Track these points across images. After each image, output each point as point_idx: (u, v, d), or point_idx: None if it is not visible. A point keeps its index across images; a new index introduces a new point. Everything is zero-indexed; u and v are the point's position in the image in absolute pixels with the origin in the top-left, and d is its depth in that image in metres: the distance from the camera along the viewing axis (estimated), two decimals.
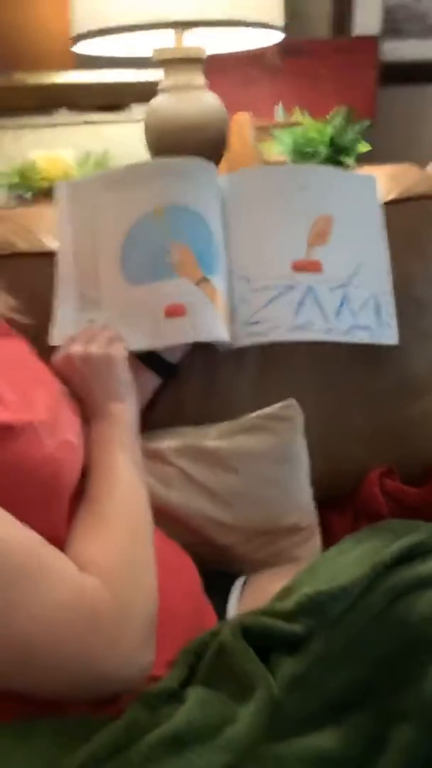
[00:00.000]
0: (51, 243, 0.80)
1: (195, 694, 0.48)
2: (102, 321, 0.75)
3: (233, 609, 0.67)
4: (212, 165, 0.80)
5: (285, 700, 0.50)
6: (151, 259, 0.76)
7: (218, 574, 0.73)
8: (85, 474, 0.58)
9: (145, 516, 0.57)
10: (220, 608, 0.67)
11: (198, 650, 0.53)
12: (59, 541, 0.51)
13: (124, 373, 0.68)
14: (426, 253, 0.84)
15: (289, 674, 0.51)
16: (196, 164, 0.79)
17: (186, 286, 0.76)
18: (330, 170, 0.84)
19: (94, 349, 0.67)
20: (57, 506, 0.53)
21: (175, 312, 0.75)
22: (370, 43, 1.33)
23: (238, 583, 0.71)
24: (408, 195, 0.84)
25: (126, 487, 0.57)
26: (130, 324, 0.75)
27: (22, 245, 0.80)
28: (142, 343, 0.75)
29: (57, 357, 0.68)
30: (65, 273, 0.78)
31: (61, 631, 0.44)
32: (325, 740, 0.50)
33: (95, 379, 0.65)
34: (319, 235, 0.78)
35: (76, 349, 0.67)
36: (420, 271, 0.84)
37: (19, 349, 0.65)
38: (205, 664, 0.52)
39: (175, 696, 0.49)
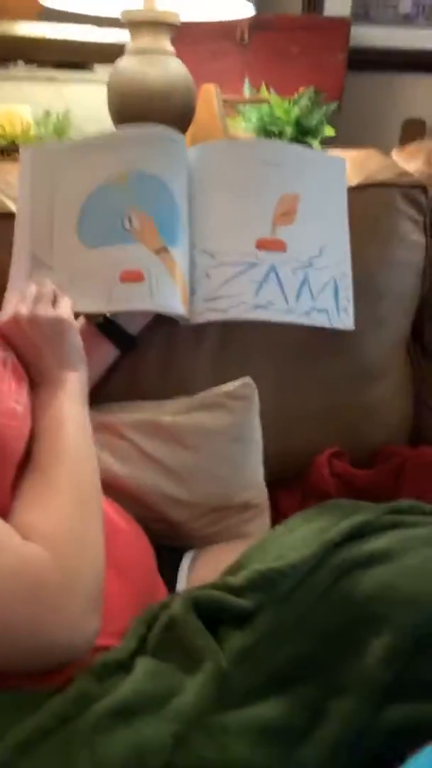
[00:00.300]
0: (9, 204, 0.77)
1: (143, 665, 0.48)
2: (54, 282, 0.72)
3: (182, 583, 0.67)
4: (181, 135, 0.79)
5: (232, 672, 0.51)
6: (110, 223, 0.74)
7: (166, 548, 0.73)
8: (31, 442, 0.56)
9: (94, 486, 0.55)
10: (169, 582, 0.67)
11: (149, 621, 0.53)
12: (2, 511, 0.49)
13: (75, 338, 0.66)
14: (386, 241, 0.85)
15: (237, 647, 0.52)
16: (165, 134, 0.78)
17: (144, 252, 0.74)
18: (301, 149, 0.83)
19: (42, 311, 0.64)
20: (1, 476, 0.51)
21: (131, 277, 0.74)
22: (342, 24, 1.32)
23: (187, 558, 0.71)
24: (371, 181, 0.84)
25: (74, 456, 0.55)
26: (82, 286, 0.73)
27: None
28: (96, 305, 0.73)
29: (2, 319, 0.65)
30: (20, 235, 0.75)
31: (4, 599, 0.43)
32: (269, 711, 0.51)
33: (45, 344, 0.62)
34: (285, 213, 0.77)
35: (23, 311, 0.64)
36: (379, 258, 0.85)
37: None
38: (154, 636, 0.52)
39: (123, 667, 0.49)
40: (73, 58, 1.19)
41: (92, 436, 0.60)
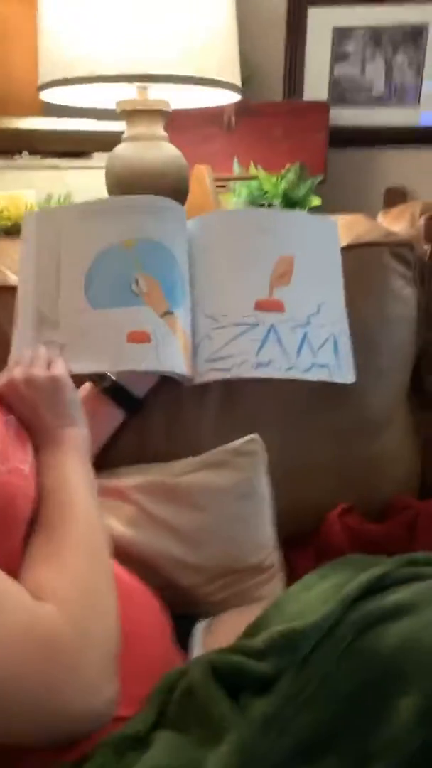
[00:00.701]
0: (12, 278, 0.80)
1: (163, 739, 0.45)
2: (59, 342, 0.74)
3: (197, 652, 0.64)
4: (179, 205, 0.83)
5: (256, 742, 0.48)
6: (117, 286, 0.77)
7: (178, 617, 0.71)
8: (37, 503, 0.55)
9: (103, 543, 0.54)
10: (183, 651, 0.64)
11: (167, 690, 0.51)
12: (13, 572, 0.48)
13: (72, 394, 0.66)
14: (379, 297, 0.88)
15: (259, 716, 0.49)
16: (166, 204, 0.82)
17: (151, 315, 0.77)
18: (293, 214, 0.88)
19: (37, 371, 0.65)
20: (11, 535, 0.50)
21: (138, 338, 0.76)
22: (322, 107, 1.43)
23: (200, 626, 0.69)
24: (360, 241, 0.88)
25: (82, 514, 0.55)
26: (89, 346, 0.75)
27: None
28: (103, 364, 0.75)
29: (0, 383, 0.66)
30: (24, 293, 0.78)
31: (16, 661, 0.41)
32: None
33: (42, 403, 0.63)
34: (282, 275, 0.81)
35: (18, 372, 0.65)
36: (374, 313, 0.87)
37: None
38: (173, 706, 0.49)
39: (142, 741, 0.46)
40: (73, 148, 1.27)
41: (97, 495, 0.60)
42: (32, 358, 0.67)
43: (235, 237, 0.82)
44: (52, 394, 0.64)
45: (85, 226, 0.79)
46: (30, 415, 0.62)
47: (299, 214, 0.88)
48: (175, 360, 0.76)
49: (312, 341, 0.80)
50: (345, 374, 0.81)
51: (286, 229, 0.83)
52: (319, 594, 0.60)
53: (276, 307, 0.80)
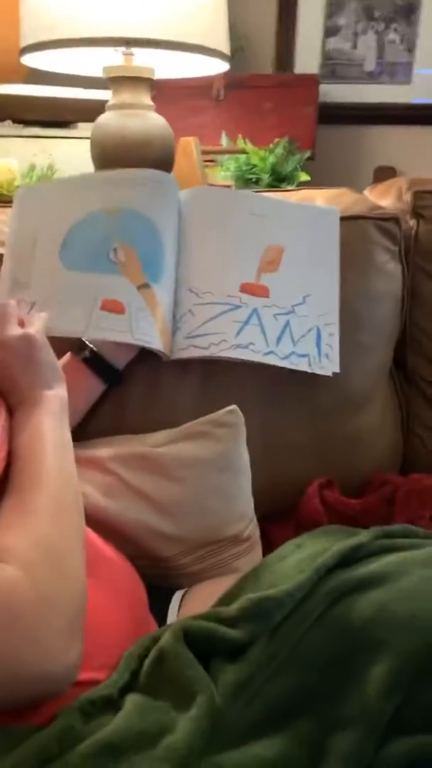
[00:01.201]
0: None
1: (132, 702, 0.45)
2: (28, 300, 0.73)
3: (171, 621, 0.64)
4: (172, 177, 0.81)
5: (227, 708, 0.48)
6: (95, 251, 0.76)
7: (156, 588, 0.71)
8: (9, 465, 0.54)
9: (73, 506, 0.53)
10: (160, 623, 0.64)
11: (140, 655, 0.51)
12: None
13: (46, 355, 0.64)
14: (363, 272, 0.87)
15: (231, 681, 0.49)
16: (158, 176, 0.80)
17: (127, 286, 0.76)
18: (290, 204, 0.86)
19: (9, 330, 0.63)
20: None
21: (112, 308, 0.75)
22: (312, 80, 1.40)
23: (177, 597, 0.69)
24: (346, 214, 0.87)
25: (53, 475, 0.54)
26: (61, 307, 0.74)
27: None
28: (74, 327, 0.74)
29: None
30: (5, 264, 0.76)
31: None
32: (266, 749, 0.48)
33: (16, 364, 0.61)
34: (270, 262, 0.80)
35: (8, 329, 0.63)
36: (357, 288, 0.87)
37: None
38: (145, 670, 0.49)
39: (111, 704, 0.46)
40: (57, 117, 1.24)
41: (74, 457, 0.59)
42: (2, 316, 0.64)
43: (229, 218, 0.81)
44: (26, 355, 0.62)
45: (69, 196, 0.78)
46: (3, 376, 0.61)
47: (297, 205, 0.86)
48: (148, 335, 0.75)
49: (294, 330, 0.80)
50: (325, 366, 0.81)
51: (280, 218, 0.82)
52: (294, 563, 0.60)
53: (261, 292, 0.79)
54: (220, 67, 1.09)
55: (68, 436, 0.60)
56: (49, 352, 0.65)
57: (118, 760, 0.40)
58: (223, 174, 1.28)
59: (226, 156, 1.32)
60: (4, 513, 0.49)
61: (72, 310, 0.74)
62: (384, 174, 1.57)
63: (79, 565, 0.48)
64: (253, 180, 1.28)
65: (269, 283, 0.79)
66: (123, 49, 1.02)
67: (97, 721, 0.44)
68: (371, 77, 1.58)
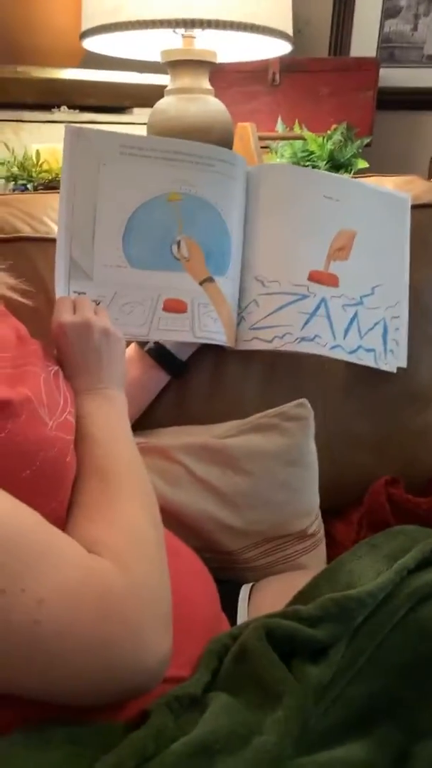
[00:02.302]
0: (56, 230, 0.77)
1: (218, 701, 0.44)
2: (90, 296, 0.70)
3: (243, 617, 0.63)
4: (241, 158, 0.77)
5: (311, 710, 0.46)
6: (158, 246, 0.73)
7: (220, 582, 0.69)
8: (80, 451, 0.52)
9: (154, 497, 0.52)
10: (228, 617, 0.63)
11: (219, 653, 0.49)
12: (61, 524, 0.47)
13: (122, 353, 0.63)
14: None
15: (314, 684, 0.48)
16: (227, 156, 0.75)
17: (190, 283, 0.73)
18: (365, 185, 0.81)
19: (110, 324, 0.62)
20: (60, 493, 0.48)
21: (175, 307, 0.73)
22: (371, 64, 1.36)
23: (245, 590, 0.67)
24: (417, 203, 0.84)
25: (135, 468, 0.53)
26: (125, 307, 0.72)
27: (26, 229, 0.77)
28: (139, 332, 0.72)
29: (64, 320, 0.60)
30: (59, 237, 0.72)
31: (70, 615, 0.39)
32: (350, 753, 0.46)
33: (105, 355, 0.60)
34: (341, 249, 0.76)
35: (91, 316, 0.61)
36: (428, 277, 0.83)
37: (15, 330, 0.60)
38: (226, 668, 0.48)
39: (197, 702, 0.44)
40: (113, 102, 1.23)
41: (140, 455, 0.57)
42: (60, 302, 0.63)
43: (298, 199, 0.76)
44: (120, 351, 0.61)
45: (127, 168, 0.72)
46: (86, 363, 0.59)
47: (370, 187, 0.81)
48: (211, 330, 0.73)
49: (361, 323, 0.76)
50: (390, 362, 0.78)
51: (354, 201, 0.78)
52: (370, 564, 0.58)
53: (331, 280, 0.76)
54: (282, 49, 1.06)
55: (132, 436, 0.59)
56: (123, 351, 0.63)
57: (212, 760, 0.39)
58: (278, 160, 1.25)
59: (281, 142, 1.29)
60: (88, 501, 0.48)
61: (135, 311, 0.72)
62: None
63: (164, 555, 0.47)
64: (310, 167, 1.24)
65: (339, 271, 0.76)
66: (183, 31, 1.00)
67: (184, 719, 0.43)
68: (431, 60, 1.52)
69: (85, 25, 0.98)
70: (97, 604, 0.40)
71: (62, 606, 0.39)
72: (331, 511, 0.82)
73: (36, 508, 0.44)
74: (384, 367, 0.78)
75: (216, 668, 0.48)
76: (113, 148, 0.72)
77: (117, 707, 0.43)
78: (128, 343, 0.76)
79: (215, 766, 0.39)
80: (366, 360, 0.77)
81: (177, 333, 0.73)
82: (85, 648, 0.39)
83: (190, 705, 0.44)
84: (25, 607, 0.38)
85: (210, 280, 0.74)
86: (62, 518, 0.48)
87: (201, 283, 0.74)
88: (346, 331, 0.76)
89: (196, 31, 1.01)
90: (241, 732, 0.42)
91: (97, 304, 0.69)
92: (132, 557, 0.44)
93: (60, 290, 0.71)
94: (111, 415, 0.56)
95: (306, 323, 0.74)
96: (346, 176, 0.89)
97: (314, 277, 0.76)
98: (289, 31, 1.01)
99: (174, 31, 1.01)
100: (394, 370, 0.79)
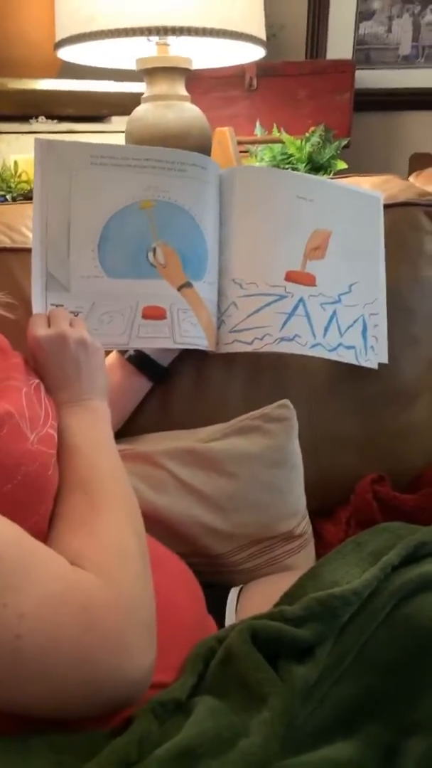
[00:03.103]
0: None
1: (203, 705, 0.44)
2: (68, 308, 0.70)
3: (231, 619, 0.63)
4: (213, 161, 0.77)
5: (297, 711, 0.46)
6: (133, 255, 0.73)
7: (209, 586, 0.69)
8: (63, 463, 0.52)
9: (137, 508, 0.52)
10: (216, 620, 0.63)
11: (205, 656, 0.49)
12: (43, 537, 0.47)
13: (102, 362, 0.63)
14: (413, 260, 0.84)
15: (300, 684, 0.48)
16: (199, 160, 0.76)
17: (167, 290, 0.73)
18: (336, 185, 0.82)
19: (87, 334, 0.62)
20: (42, 506, 0.48)
21: (153, 314, 0.73)
22: (347, 66, 1.37)
23: (233, 593, 0.67)
24: (393, 201, 0.84)
25: (117, 480, 0.53)
26: (103, 318, 0.71)
27: (4, 241, 0.77)
28: (119, 340, 0.72)
29: (38, 334, 0.61)
30: (35, 249, 0.72)
31: (52, 630, 0.39)
32: (339, 752, 0.46)
33: (84, 367, 0.60)
34: (317, 248, 0.77)
35: (66, 328, 0.61)
36: (408, 277, 0.84)
37: None
38: (212, 671, 0.48)
39: (181, 707, 0.44)
40: (91, 112, 1.23)
41: (125, 461, 0.57)
42: (64, 319, 0.63)
43: (273, 200, 0.77)
44: (98, 360, 0.61)
45: (99, 178, 0.72)
46: (65, 375, 0.59)
47: (343, 186, 0.82)
48: (191, 335, 0.73)
49: (341, 320, 0.77)
50: (371, 358, 0.79)
51: (327, 201, 0.78)
52: (356, 562, 0.58)
53: (307, 280, 0.77)
54: (256, 53, 1.07)
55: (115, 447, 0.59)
56: (96, 356, 0.62)
57: (196, 764, 0.39)
58: (258, 164, 1.26)
59: (260, 146, 1.30)
60: (71, 513, 0.48)
61: (114, 320, 0.72)
62: (421, 160, 1.52)
63: (148, 566, 0.47)
64: (290, 170, 1.25)
65: (315, 270, 0.77)
66: (157, 39, 1.01)
67: (169, 724, 0.42)
68: (407, 61, 1.54)
69: (59, 35, 0.99)
70: (79, 617, 0.40)
71: (44, 620, 0.39)
72: (319, 511, 0.82)
73: (17, 522, 0.44)
74: (365, 364, 0.78)
75: (202, 672, 0.48)
76: (84, 158, 0.72)
77: (101, 716, 0.43)
78: (108, 352, 0.76)
79: None
80: (347, 357, 0.77)
81: (157, 340, 0.73)
82: (68, 661, 0.39)
83: (175, 710, 0.44)
84: (6, 621, 0.38)
85: (188, 285, 0.74)
86: (44, 532, 0.48)
87: (179, 289, 0.74)
88: (326, 329, 0.76)
89: (170, 39, 1.01)
90: (226, 735, 0.42)
91: (76, 315, 0.69)
92: (115, 569, 0.44)
93: (36, 303, 0.71)
94: (93, 427, 0.56)
95: (285, 323, 0.75)
96: (319, 177, 0.89)
97: (291, 277, 0.76)
98: (263, 36, 1.02)
99: (148, 39, 1.01)
100: (376, 367, 0.79)
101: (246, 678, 0.46)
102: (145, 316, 0.72)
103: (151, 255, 0.73)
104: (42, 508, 0.48)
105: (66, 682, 0.39)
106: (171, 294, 0.73)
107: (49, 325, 0.63)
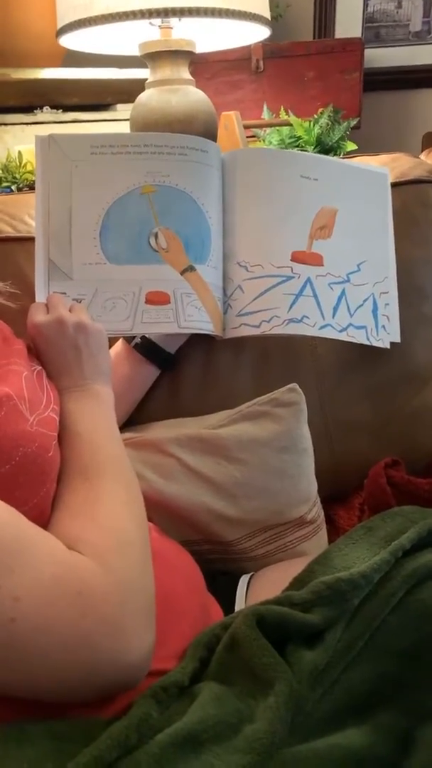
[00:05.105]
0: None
1: (208, 690, 0.43)
2: (71, 296, 0.69)
3: (241, 607, 0.62)
4: (215, 145, 0.76)
5: (306, 696, 0.45)
6: (135, 240, 0.72)
7: (221, 573, 0.69)
8: (65, 448, 0.52)
9: (139, 494, 0.52)
10: (225, 608, 0.62)
11: (209, 642, 0.49)
12: (45, 519, 0.46)
13: (106, 347, 0.63)
14: (425, 238, 0.82)
15: (309, 668, 0.47)
16: (201, 144, 0.75)
17: (170, 274, 0.73)
18: (342, 163, 0.80)
19: (84, 317, 0.61)
20: (43, 488, 0.48)
21: (157, 300, 0.72)
22: (356, 44, 1.34)
23: (244, 581, 0.66)
24: (405, 179, 0.82)
25: (119, 466, 0.52)
26: (106, 304, 0.71)
27: (7, 230, 0.76)
28: (122, 327, 0.71)
29: (38, 320, 0.60)
30: (38, 238, 0.71)
31: (49, 614, 0.39)
32: (350, 739, 0.45)
33: (85, 350, 0.59)
34: (323, 227, 0.75)
35: (64, 313, 0.61)
36: (419, 256, 0.82)
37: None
38: (216, 657, 0.47)
39: (184, 691, 0.44)
40: (95, 100, 1.22)
41: (134, 449, 0.57)
42: (62, 304, 0.63)
43: (276, 180, 0.75)
44: (101, 345, 0.61)
45: (100, 168, 0.72)
46: (66, 360, 0.58)
47: (348, 164, 0.80)
48: (197, 320, 0.72)
49: (350, 300, 0.75)
50: (383, 337, 0.77)
51: (332, 179, 0.77)
52: (367, 546, 0.57)
53: (314, 260, 0.75)
54: (261, 33, 1.05)
55: (119, 434, 0.58)
56: (105, 345, 0.62)
57: (198, 751, 0.38)
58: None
59: (268, 130, 1.27)
60: (68, 502, 0.48)
61: (117, 306, 0.71)
62: None
63: (148, 552, 0.47)
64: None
65: (322, 250, 0.75)
66: (160, 22, 0.99)
67: (172, 709, 0.42)
68: (418, 38, 1.49)
69: (61, 22, 0.98)
70: (75, 601, 0.39)
71: (38, 603, 0.39)
72: (332, 496, 0.81)
73: (16, 503, 0.43)
74: (377, 344, 0.77)
75: (204, 657, 0.48)
76: (84, 150, 0.72)
77: (101, 703, 0.43)
78: (115, 340, 0.76)
79: (202, 755, 0.38)
80: (358, 337, 0.75)
81: (161, 325, 0.72)
82: (64, 645, 0.39)
83: (179, 695, 0.44)
84: (0, 604, 0.38)
85: (191, 269, 0.73)
86: (46, 514, 0.48)
87: (182, 273, 0.73)
88: (335, 309, 0.75)
89: (173, 22, 1.00)
90: (230, 721, 0.41)
91: (79, 302, 0.69)
92: (113, 554, 0.43)
93: (40, 292, 0.70)
94: (94, 412, 0.56)
95: (293, 304, 0.73)
96: (323, 156, 0.87)
97: (297, 258, 0.74)
98: (267, 15, 1.00)
99: (150, 23, 1.00)
100: (388, 346, 0.77)
101: (252, 663, 0.45)
102: (148, 302, 0.72)
103: (152, 239, 0.73)
104: (42, 489, 0.48)
105: (62, 666, 0.39)
106: (174, 278, 0.72)
107: (48, 312, 0.62)
